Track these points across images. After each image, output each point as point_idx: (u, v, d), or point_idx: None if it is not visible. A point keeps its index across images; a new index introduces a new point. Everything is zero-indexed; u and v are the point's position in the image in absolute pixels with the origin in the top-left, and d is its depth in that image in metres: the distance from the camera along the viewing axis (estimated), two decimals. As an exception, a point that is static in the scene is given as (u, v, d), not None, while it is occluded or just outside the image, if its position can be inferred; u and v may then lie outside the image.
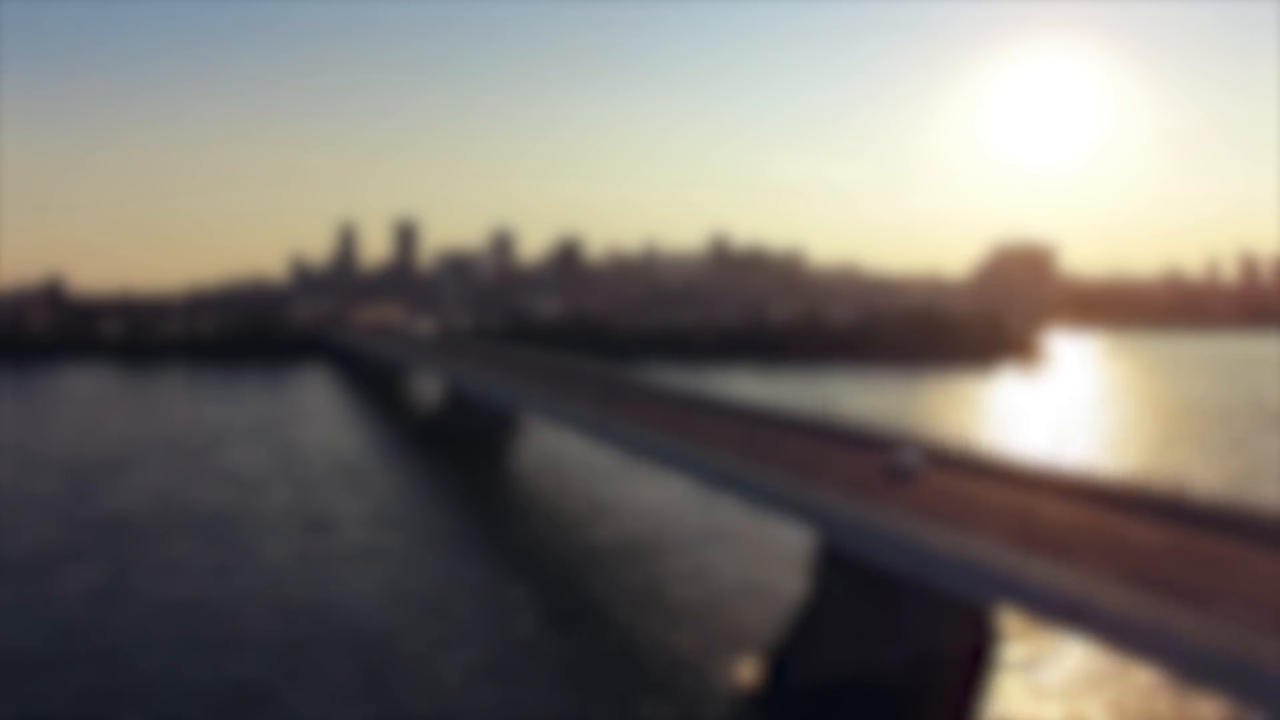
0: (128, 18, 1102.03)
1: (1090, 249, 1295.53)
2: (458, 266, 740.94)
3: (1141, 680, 49.06)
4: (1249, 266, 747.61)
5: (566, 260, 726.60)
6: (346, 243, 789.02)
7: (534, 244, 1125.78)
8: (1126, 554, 42.16)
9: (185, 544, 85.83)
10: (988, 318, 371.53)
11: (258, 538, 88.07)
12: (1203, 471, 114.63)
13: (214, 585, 73.11)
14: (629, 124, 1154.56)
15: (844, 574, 49.45)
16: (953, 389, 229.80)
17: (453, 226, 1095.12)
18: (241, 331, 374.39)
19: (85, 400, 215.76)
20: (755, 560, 76.57)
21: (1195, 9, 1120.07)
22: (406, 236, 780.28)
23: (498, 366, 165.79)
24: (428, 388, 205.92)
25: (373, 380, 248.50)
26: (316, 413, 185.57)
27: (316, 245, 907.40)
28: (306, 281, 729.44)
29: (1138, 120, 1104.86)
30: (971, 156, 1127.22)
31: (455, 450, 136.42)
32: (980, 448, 75.80)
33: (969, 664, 49.51)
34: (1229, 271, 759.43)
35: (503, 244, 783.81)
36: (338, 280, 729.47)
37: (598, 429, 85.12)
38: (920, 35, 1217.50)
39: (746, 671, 52.73)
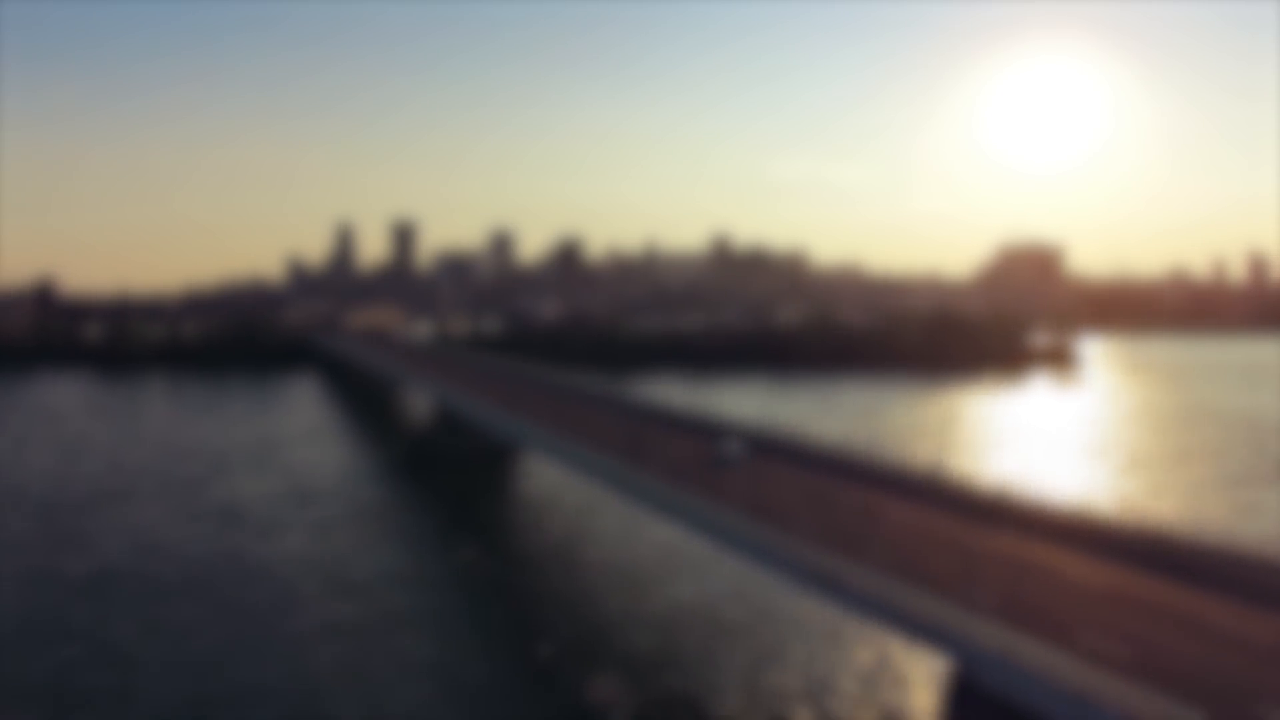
0: (126, 18, 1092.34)
1: (1092, 249, 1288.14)
2: (456, 267, 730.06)
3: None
4: (1257, 266, 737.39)
5: (566, 261, 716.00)
6: (344, 243, 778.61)
7: (534, 244, 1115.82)
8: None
9: (184, 611, 72.34)
10: (1009, 322, 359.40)
11: (269, 602, 74.77)
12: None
13: (223, 678, 59.66)
14: (629, 124, 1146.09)
15: (989, 717, 38.13)
16: (992, 402, 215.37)
17: (452, 227, 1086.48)
18: (228, 337, 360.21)
19: (64, 414, 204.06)
20: (846, 653, 61.50)
21: (1195, 9, 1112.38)
22: (404, 237, 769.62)
23: (496, 386, 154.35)
24: (423, 403, 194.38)
25: (365, 392, 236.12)
26: (309, 432, 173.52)
27: (314, 246, 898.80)
28: (303, 283, 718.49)
29: (1137, 120, 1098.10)
30: (972, 157, 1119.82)
31: (461, 481, 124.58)
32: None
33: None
34: (1236, 271, 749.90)
35: (502, 244, 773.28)
36: (335, 281, 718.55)
37: (625, 484, 71.06)
38: (920, 35, 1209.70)
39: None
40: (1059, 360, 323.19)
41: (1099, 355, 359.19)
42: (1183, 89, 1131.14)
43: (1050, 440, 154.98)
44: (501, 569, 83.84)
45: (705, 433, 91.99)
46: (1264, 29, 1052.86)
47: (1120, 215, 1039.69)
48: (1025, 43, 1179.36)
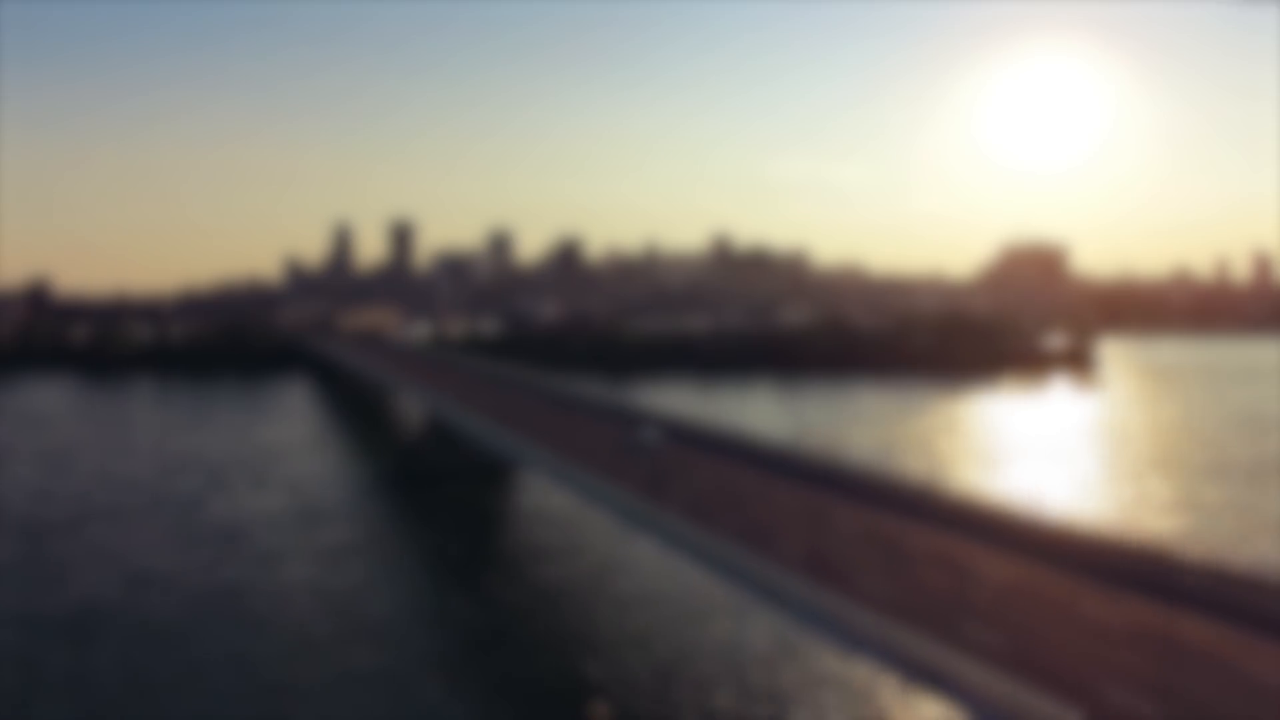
0: (124, 18, 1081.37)
1: (1093, 249, 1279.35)
2: (455, 267, 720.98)
3: None
4: (1262, 266, 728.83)
5: (566, 261, 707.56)
6: (341, 244, 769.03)
7: (533, 244, 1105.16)
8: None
9: (180, 658, 63.07)
10: (1023, 323, 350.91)
11: (276, 649, 65.59)
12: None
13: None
14: (629, 124, 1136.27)
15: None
16: (1019, 409, 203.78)
17: (451, 227, 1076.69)
18: (217, 339, 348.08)
19: (49, 419, 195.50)
20: None
21: (1195, 9, 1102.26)
22: (402, 237, 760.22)
23: (492, 394, 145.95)
24: (417, 412, 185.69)
25: (358, 398, 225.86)
26: (301, 442, 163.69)
27: (312, 246, 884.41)
28: (301, 283, 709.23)
29: (1136, 120, 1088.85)
30: (971, 157, 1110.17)
31: (467, 496, 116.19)
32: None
33: None
34: (1239, 271, 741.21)
35: (501, 244, 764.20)
36: (333, 282, 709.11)
37: (646, 523, 60.55)
38: (920, 35, 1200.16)
39: None
40: (1077, 363, 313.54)
41: (1111, 358, 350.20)
42: (1183, 89, 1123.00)
43: (1103, 452, 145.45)
44: (529, 603, 75.17)
45: (743, 456, 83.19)
46: (1264, 29, 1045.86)
47: (1120, 215, 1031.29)
48: (1025, 43, 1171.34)
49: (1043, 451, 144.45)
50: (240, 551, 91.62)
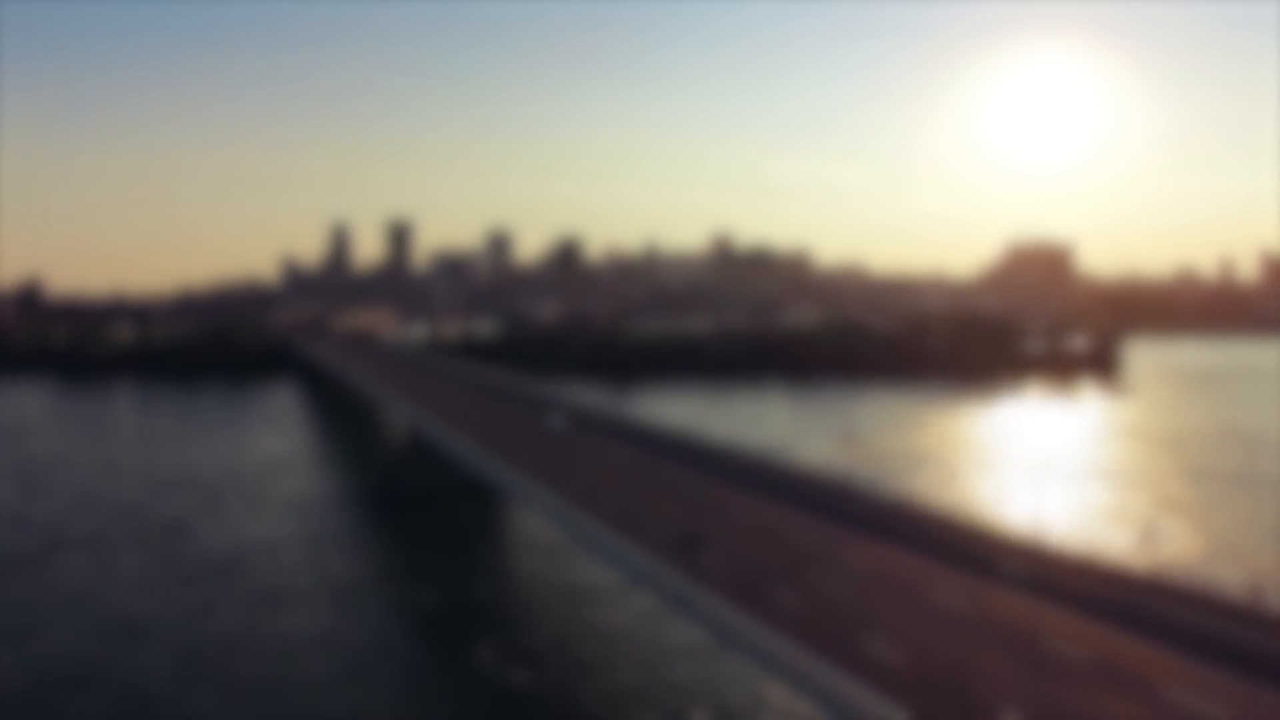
0: (124, 19, 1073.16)
1: (1094, 248, 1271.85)
2: (453, 267, 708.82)
3: None
4: (1269, 266, 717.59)
5: (565, 261, 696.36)
6: (339, 244, 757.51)
7: (532, 244, 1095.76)
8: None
9: None
10: (1035, 323, 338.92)
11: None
12: None
13: None
14: (629, 124, 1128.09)
15: None
16: (1066, 418, 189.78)
17: (449, 227, 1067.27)
18: (201, 342, 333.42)
19: (23, 431, 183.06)
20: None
21: (1195, 9, 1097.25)
22: (400, 237, 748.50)
23: (482, 407, 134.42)
24: (403, 425, 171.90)
25: (347, 405, 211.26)
26: (288, 457, 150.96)
27: (310, 247, 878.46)
28: (298, 283, 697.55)
29: (1136, 120, 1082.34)
30: (972, 157, 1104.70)
31: (472, 523, 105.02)
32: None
33: None
34: (1245, 271, 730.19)
35: (500, 244, 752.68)
36: (330, 282, 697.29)
37: (677, 600, 47.69)
38: (920, 35, 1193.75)
39: None
40: (1101, 366, 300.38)
41: (1130, 360, 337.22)
42: (1182, 89, 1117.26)
43: (1178, 467, 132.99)
44: (556, 660, 63.66)
45: (792, 492, 70.67)
46: (1264, 29, 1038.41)
47: (1121, 215, 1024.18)
48: (1025, 43, 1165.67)
49: (1115, 469, 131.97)
50: (230, 591, 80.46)
